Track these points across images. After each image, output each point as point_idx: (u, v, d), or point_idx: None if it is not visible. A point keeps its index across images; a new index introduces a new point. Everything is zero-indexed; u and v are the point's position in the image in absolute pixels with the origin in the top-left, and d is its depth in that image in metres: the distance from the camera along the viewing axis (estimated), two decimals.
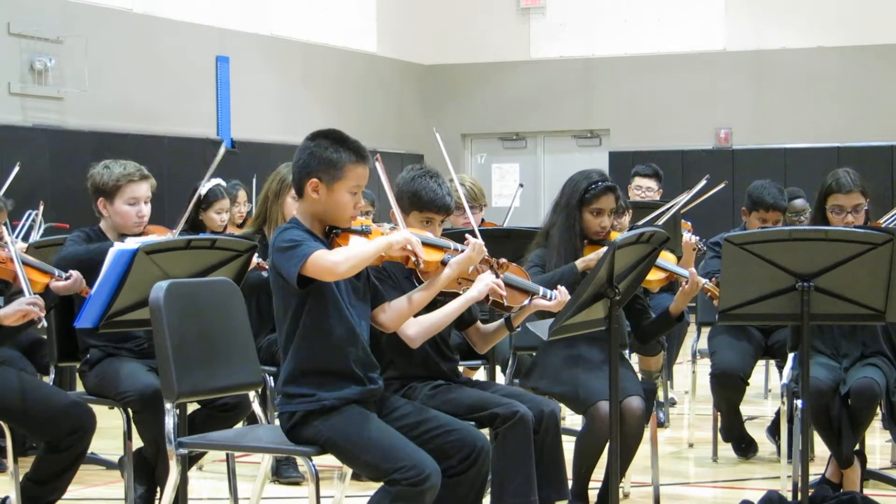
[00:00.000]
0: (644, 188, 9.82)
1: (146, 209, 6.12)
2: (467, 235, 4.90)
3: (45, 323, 5.52)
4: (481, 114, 20.03)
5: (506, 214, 9.67)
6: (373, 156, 4.79)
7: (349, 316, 4.65)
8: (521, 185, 11.56)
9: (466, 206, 5.85)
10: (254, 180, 7.77)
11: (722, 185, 9.03)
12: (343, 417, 4.58)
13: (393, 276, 5.11)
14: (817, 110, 18.34)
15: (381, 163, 4.81)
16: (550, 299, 5.14)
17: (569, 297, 5.02)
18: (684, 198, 8.26)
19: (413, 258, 4.65)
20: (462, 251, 4.86)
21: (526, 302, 5.14)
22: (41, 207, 8.70)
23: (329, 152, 4.64)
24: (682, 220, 8.49)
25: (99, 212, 6.14)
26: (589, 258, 5.87)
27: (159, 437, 5.21)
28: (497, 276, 5.00)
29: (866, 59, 18.18)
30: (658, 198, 9.71)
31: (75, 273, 5.72)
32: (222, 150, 6.65)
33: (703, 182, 8.64)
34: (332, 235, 4.69)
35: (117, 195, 6.06)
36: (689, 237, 7.66)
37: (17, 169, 7.79)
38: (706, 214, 9.06)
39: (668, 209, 8.13)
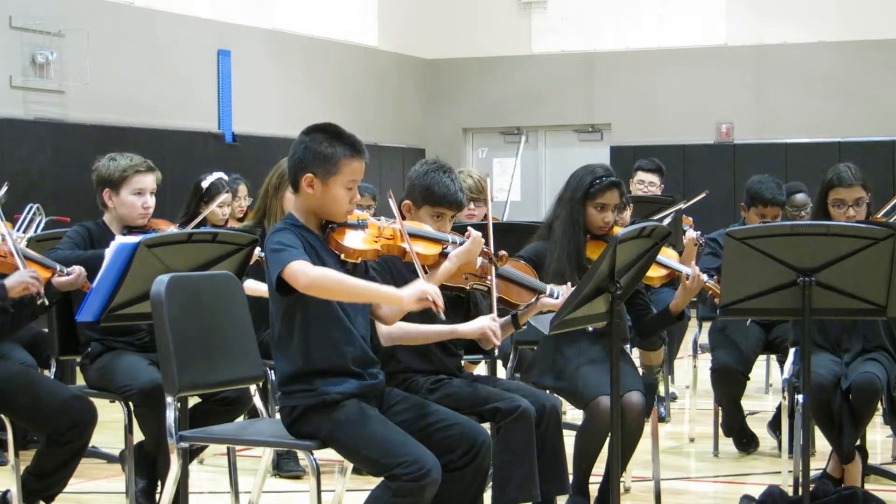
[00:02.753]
0: (647, 183, 9.82)
1: (151, 201, 6.13)
2: (470, 228, 4.89)
3: (45, 300, 5.51)
4: (482, 108, 20.02)
5: (512, 171, 9.58)
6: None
7: (344, 316, 4.63)
8: (527, 140, 11.40)
9: (489, 198, 5.96)
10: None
11: (703, 195, 9.06)
12: (344, 412, 4.58)
13: (393, 269, 5.11)
14: (818, 105, 18.34)
15: (393, 199, 4.80)
16: (557, 298, 5.14)
17: None
18: (679, 207, 8.31)
19: (433, 308, 4.57)
20: (461, 244, 4.86)
21: (532, 300, 5.14)
22: (42, 215, 8.69)
23: (324, 147, 4.63)
24: (684, 216, 8.49)
25: (104, 203, 6.14)
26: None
27: (160, 431, 5.21)
28: (496, 269, 5.00)
29: (867, 53, 18.17)
30: (660, 192, 9.71)
31: (77, 268, 5.71)
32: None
33: (703, 194, 8.71)
34: (328, 230, 4.69)
35: (123, 186, 6.07)
36: (691, 233, 7.67)
37: (6, 188, 7.76)
38: (707, 210, 9.07)
39: (666, 214, 8.15)
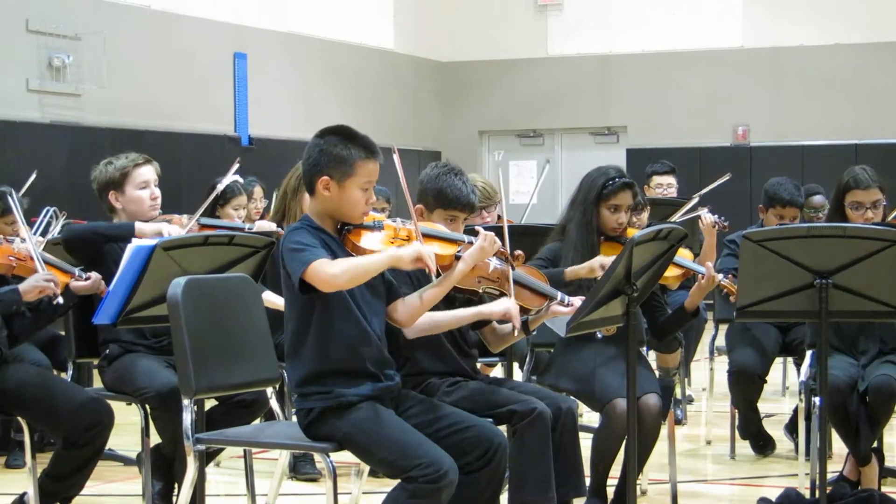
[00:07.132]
0: (665, 185, 9.75)
1: (158, 192, 6.16)
2: (479, 228, 4.87)
3: (60, 299, 5.53)
4: (499, 111, 20.02)
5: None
6: (390, 150, 4.76)
7: (360, 316, 4.63)
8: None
9: (502, 203, 5.96)
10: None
11: (726, 177, 9.05)
12: (360, 414, 4.58)
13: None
14: (835, 107, 18.31)
15: (397, 155, 4.78)
16: (568, 305, 5.12)
17: None
18: (697, 196, 8.30)
19: (427, 270, 4.59)
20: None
21: (543, 305, 5.13)
22: (59, 218, 8.70)
23: (339, 149, 4.63)
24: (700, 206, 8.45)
25: (111, 208, 6.17)
26: (578, 268, 5.84)
27: (177, 434, 5.22)
28: (512, 269, 4.98)
29: (883, 56, 18.14)
30: (675, 194, 9.68)
31: (95, 274, 5.74)
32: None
33: (726, 178, 8.69)
34: (344, 232, 4.68)
35: (127, 182, 6.12)
36: (707, 216, 7.65)
37: (34, 176, 7.80)
38: (724, 212, 9.05)
39: (690, 208, 8.13)
